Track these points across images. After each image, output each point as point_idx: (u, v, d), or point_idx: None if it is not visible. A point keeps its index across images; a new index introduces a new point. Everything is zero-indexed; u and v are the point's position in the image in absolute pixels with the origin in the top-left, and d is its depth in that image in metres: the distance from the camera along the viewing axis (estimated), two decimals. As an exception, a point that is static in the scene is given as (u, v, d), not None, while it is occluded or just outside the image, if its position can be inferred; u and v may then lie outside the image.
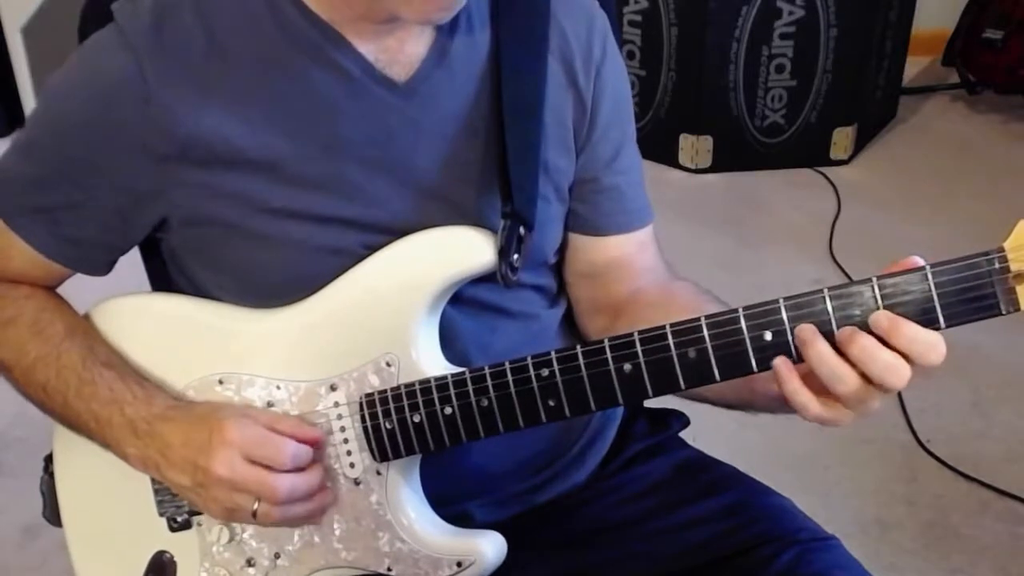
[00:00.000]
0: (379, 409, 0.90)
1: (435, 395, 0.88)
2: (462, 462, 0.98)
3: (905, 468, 1.99)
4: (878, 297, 0.75)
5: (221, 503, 0.88)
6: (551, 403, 0.84)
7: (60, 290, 1.03)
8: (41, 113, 0.94)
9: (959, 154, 3.17)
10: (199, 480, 0.88)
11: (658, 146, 3.06)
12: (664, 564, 1.00)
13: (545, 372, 0.84)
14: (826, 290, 0.76)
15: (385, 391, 0.90)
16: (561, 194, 0.98)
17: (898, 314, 0.75)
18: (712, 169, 3.07)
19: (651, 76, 3.04)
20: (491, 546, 0.92)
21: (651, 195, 1.05)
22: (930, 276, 0.74)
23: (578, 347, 0.83)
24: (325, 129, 0.89)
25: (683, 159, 3.08)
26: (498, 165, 0.92)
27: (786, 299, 0.77)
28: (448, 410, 0.87)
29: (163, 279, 1.04)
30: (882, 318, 0.75)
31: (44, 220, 0.94)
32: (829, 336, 0.76)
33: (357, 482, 0.92)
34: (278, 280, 0.92)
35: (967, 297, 0.74)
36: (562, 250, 1.03)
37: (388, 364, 0.90)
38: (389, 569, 0.93)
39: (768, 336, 0.77)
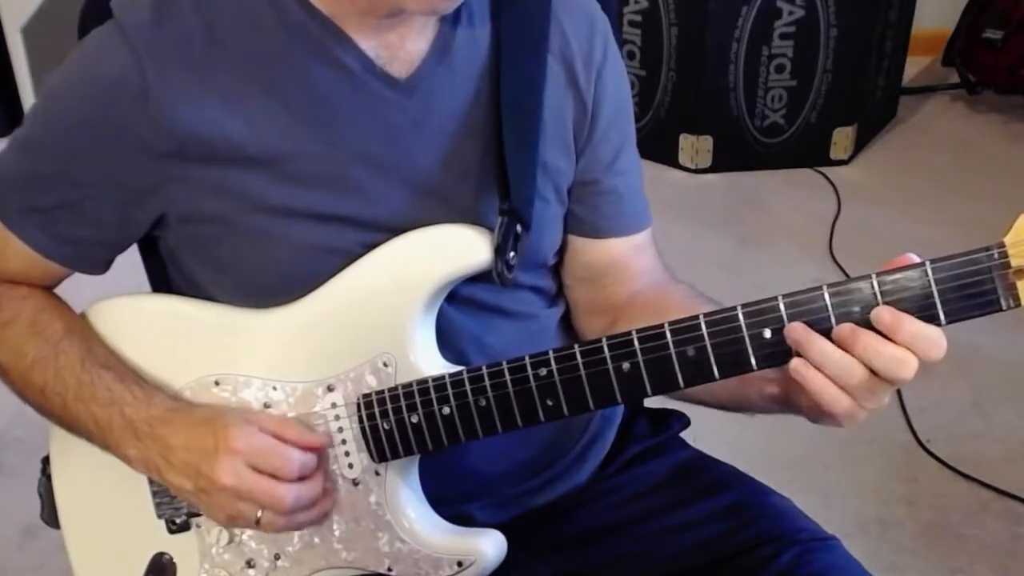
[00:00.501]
0: (376, 410, 0.89)
1: (433, 395, 0.87)
2: (462, 463, 0.98)
3: (905, 468, 1.99)
4: (877, 293, 0.75)
5: (224, 510, 0.88)
6: (549, 402, 0.84)
7: (59, 289, 1.03)
8: (39, 111, 0.93)
9: (959, 154, 3.17)
10: (202, 486, 0.88)
11: (658, 146, 3.06)
12: (664, 564, 1.00)
13: (543, 371, 0.84)
14: (825, 287, 0.76)
15: (383, 391, 0.89)
16: (560, 195, 0.98)
17: (898, 310, 0.75)
18: (712, 169, 3.07)
19: (651, 76, 3.04)
20: (491, 545, 0.92)
21: (651, 195, 1.05)
22: (930, 272, 0.74)
23: (576, 346, 0.83)
24: (325, 126, 0.89)
25: (683, 159, 3.08)
26: (496, 164, 0.91)
27: (785, 296, 0.77)
28: (446, 410, 0.87)
29: (162, 278, 1.04)
30: (884, 314, 0.74)
31: (42, 219, 0.94)
32: (827, 333, 0.76)
33: (356, 483, 0.92)
34: (276, 278, 0.92)
35: (967, 293, 0.73)
36: (561, 252, 1.03)
37: (385, 364, 0.90)
38: (389, 569, 0.93)
39: (767, 334, 0.77)
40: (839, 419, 0.78)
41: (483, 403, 0.86)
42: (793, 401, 0.84)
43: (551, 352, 0.83)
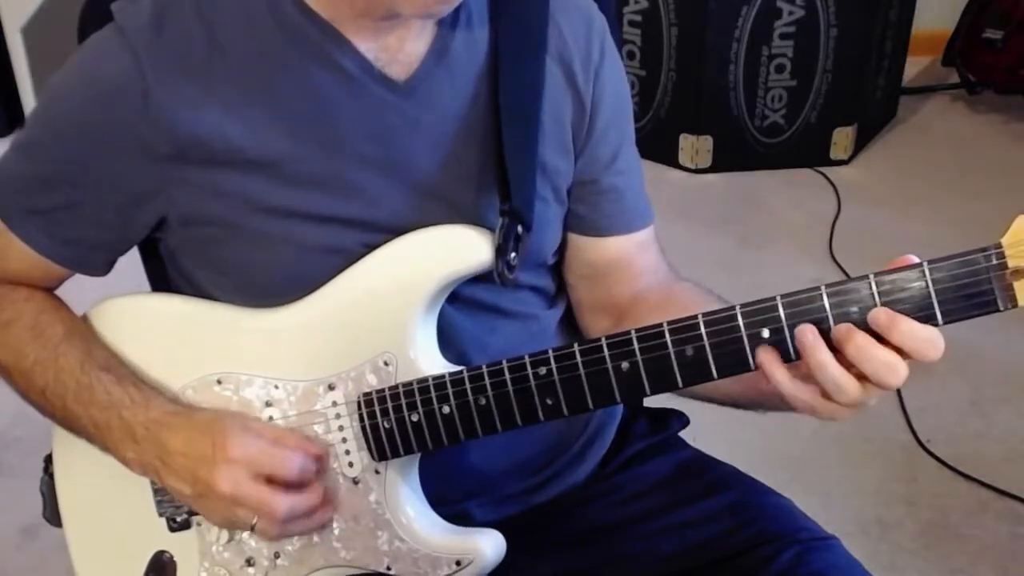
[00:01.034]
0: (377, 408, 0.90)
1: (433, 394, 0.87)
2: (461, 462, 0.98)
3: (905, 468, 1.99)
4: (876, 294, 0.75)
5: (220, 515, 0.89)
6: (549, 402, 0.84)
7: (60, 289, 1.03)
8: (41, 113, 0.94)
9: (959, 154, 3.17)
10: (199, 491, 0.88)
11: (658, 146, 3.06)
12: (664, 564, 1.00)
13: (543, 371, 0.84)
14: (824, 287, 0.76)
15: (383, 390, 0.90)
16: (559, 195, 0.98)
17: (896, 311, 0.75)
18: (712, 169, 3.07)
19: (651, 76, 3.04)
20: (490, 544, 0.92)
21: (651, 195, 1.05)
22: (928, 272, 0.74)
23: (575, 345, 0.83)
24: (324, 128, 0.89)
25: (683, 159, 3.08)
26: (496, 165, 0.92)
27: (783, 296, 0.77)
28: (446, 409, 0.87)
29: (162, 279, 1.04)
30: (880, 315, 0.74)
31: (43, 221, 0.94)
32: (826, 334, 0.76)
33: (356, 481, 0.92)
34: (277, 279, 0.92)
35: (965, 293, 0.74)
36: (562, 251, 1.03)
37: (386, 363, 0.90)
38: (388, 568, 0.93)
39: (766, 333, 0.77)
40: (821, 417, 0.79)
41: (483, 402, 0.86)
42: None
43: (551, 351, 0.84)
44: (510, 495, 1.03)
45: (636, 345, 0.81)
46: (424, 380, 0.88)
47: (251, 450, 0.87)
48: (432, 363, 0.90)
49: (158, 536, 0.98)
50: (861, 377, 0.75)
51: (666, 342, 0.80)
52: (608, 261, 1.03)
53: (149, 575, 0.98)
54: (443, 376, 0.87)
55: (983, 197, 2.82)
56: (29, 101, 3.12)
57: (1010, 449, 2.03)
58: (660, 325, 0.80)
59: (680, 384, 0.81)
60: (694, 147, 3.05)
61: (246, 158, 0.88)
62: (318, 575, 0.95)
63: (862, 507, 1.90)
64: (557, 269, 1.04)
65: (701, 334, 0.79)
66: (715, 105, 2.97)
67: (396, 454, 0.90)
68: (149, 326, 0.98)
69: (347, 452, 0.92)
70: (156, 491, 0.97)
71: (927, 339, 0.74)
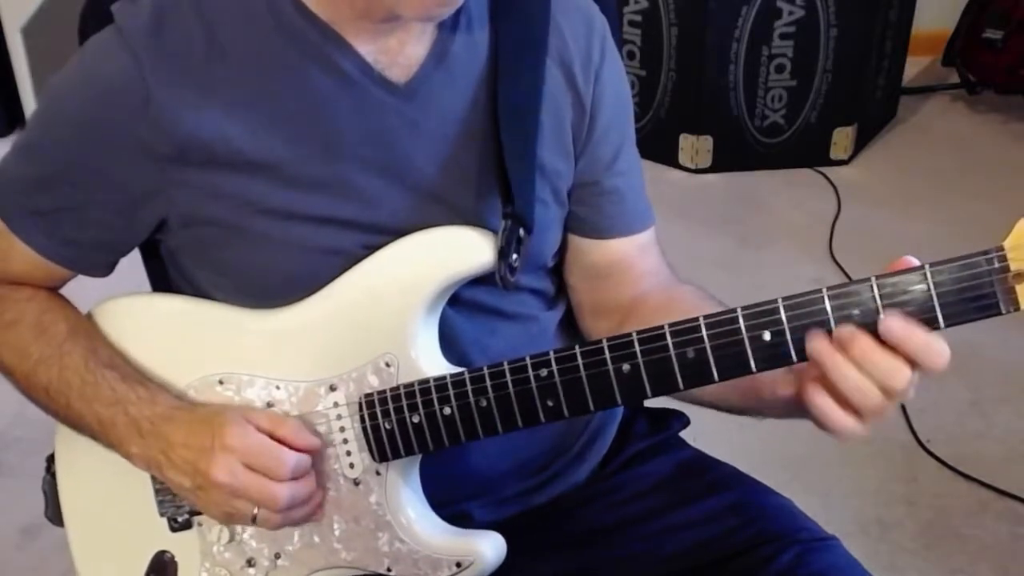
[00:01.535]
0: (378, 409, 0.90)
1: (434, 395, 0.87)
2: (462, 463, 0.98)
3: (905, 468, 1.99)
4: (877, 297, 0.75)
5: (221, 507, 0.89)
6: (550, 403, 0.84)
7: (62, 289, 1.03)
8: (41, 114, 0.94)
9: (959, 154, 3.17)
10: (199, 483, 0.88)
11: (658, 146, 3.06)
12: (664, 564, 1.00)
13: (544, 372, 0.84)
14: (825, 290, 0.76)
15: (384, 391, 0.90)
16: (559, 197, 0.98)
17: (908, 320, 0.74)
18: (712, 169, 3.07)
19: (651, 76, 3.04)
20: (490, 546, 0.92)
21: (651, 195, 1.05)
22: (929, 275, 0.74)
23: (576, 347, 0.83)
24: (324, 130, 0.89)
25: (683, 159, 3.08)
26: (496, 167, 0.92)
27: (785, 299, 0.77)
28: (447, 410, 0.87)
29: (163, 280, 1.04)
30: (895, 327, 0.74)
31: (45, 222, 0.94)
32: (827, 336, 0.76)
33: (357, 482, 0.92)
34: (277, 281, 0.92)
35: (966, 297, 0.73)
36: (563, 253, 1.03)
37: (387, 364, 0.90)
38: (389, 569, 0.93)
39: (767, 336, 0.77)
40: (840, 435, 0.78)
41: (484, 403, 0.86)
42: (803, 405, 0.84)
43: (552, 353, 0.84)
44: (510, 496, 1.03)
45: (637, 347, 0.81)
46: (425, 381, 0.88)
47: (248, 441, 0.87)
48: (433, 364, 0.90)
49: (159, 536, 0.98)
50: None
51: (667, 344, 0.80)
52: (609, 263, 1.03)
53: (150, 575, 0.98)
54: (444, 377, 0.87)
55: (983, 197, 2.82)
56: (29, 101, 3.12)
57: (1010, 449, 2.03)
58: (661, 327, 0.80)
59: (681, 386, 0.81)
60: (694, 147, 3.05)
61: (246, 159, 0.88)
62: (318, 576, 0.95)
63: (862, 507, 1.90)
64: (557, 271, 1.04)
65: (702, 336, 0.79)
66: (715, 105, 2.98)
67: (397, 455, 0.90)
68: (151, 326, 0.98)
69: (348, 453, 0.92)
70: (158, 491, 0.97)
71: (937, 351, 0.74)
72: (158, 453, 0.90)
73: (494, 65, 0.93)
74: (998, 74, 3.23)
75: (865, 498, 1.92)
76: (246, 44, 0.88)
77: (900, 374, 0.74)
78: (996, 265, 0.73)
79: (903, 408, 2.09)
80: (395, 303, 0.90)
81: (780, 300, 0.77)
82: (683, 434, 1.14)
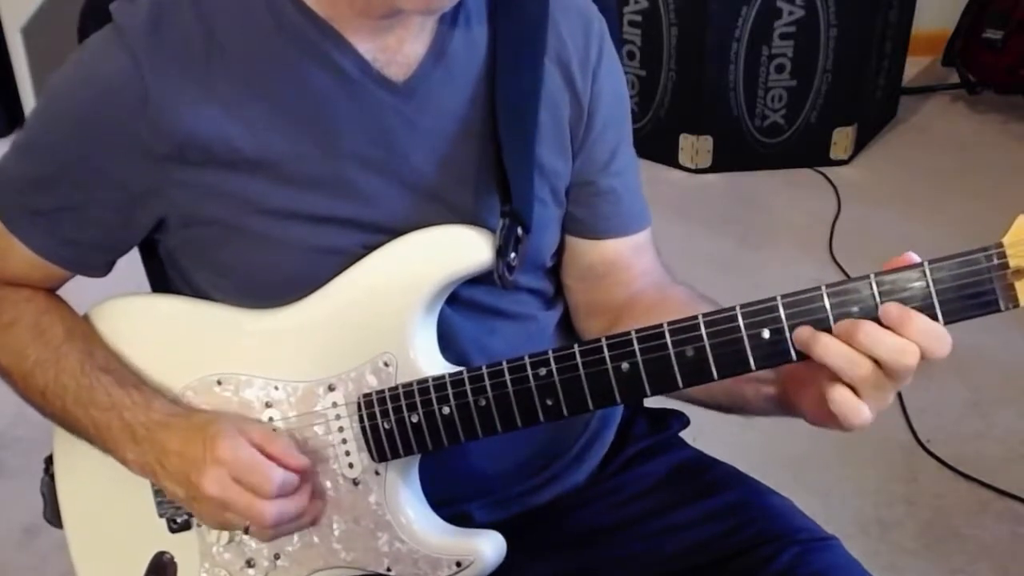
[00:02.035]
0: (377, 409, 0.90)
1: (433, 395, 0.87)
2: (461, 463, 0.98)
3: (905, 468, 1.99)
4: (876, 294, 0.75)
5: (213, 518, 0.89)
6: (549, 402, 0.84)
7: (61, 290, 1.03)
8: (39, 114, 0.93)
9: (959, 154, 3.17)
10: (192, 494, 0.88)
11: (658, 146, 3.06)
12: (664, 564, 1.00)
13: (543, 371, 0.84)
14: (824, 287, 0.76)
15: (383, 391, 0.89)
16: (558, 197, 0.98)
17: None
18: (712, 169, 3.07)
19: (651, 76, 3.04)
20: (490, 546, 0.92)
21: (651, 195, 1.05)
22: (928, 272, 0.74)
23: (575, 346, 0.83)
24: (323, 129, 0.89)
25: (683, 159, 3.08)
26: (495, 166, 0.92)
27: (784, 297, 0.77)
28: (446, 410, 0.87)
29: (162, 280, 1.04)
30: (893, 309, 0.74)
31: (43, 222, 0.94)
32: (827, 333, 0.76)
33: (356, 482, 0.92)
34: (276, 280, 0.92)
35: (966, 293, 0.73)
36: (559, 253, 1.03)
37: (386, 364, 0.90)
38: (388, 569, 0.93)
39: (766, 334, 0.77)
40: (848, 424, 0.77)
41: (483, 403, 0.86)
42: (791, 403, 0.84)
43: (550, 352, 0.84)
44: (510, 496, 1.03)
45: (636, 346, 0.81)
46: (424, 381, 0.88)
47: (238, 455, 0.87)
48: (432, 364, 0.90)
49: (159, 537, 0.98)
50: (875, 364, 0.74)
51: (666, 343, 0.80)
52: (606, 264, 1.02)
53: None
54: (443, 377, 0.87)
55: (983, 197, 2.82)
56: (29, 101, 3.12)
57: (1010, 449, 2.03)
58: (660, 325, 0.80)
59: (680, 385, 0.81)
60: (694, 147, 3.05)
61: (245, 158, 0.88)
62: (318, 576, 0.95)
63: (862, 507, 1.90)
64: (556, 271, 1.04)
65: (701, 334, 0.79)
66: (715, 105, 2.97)
67: (396, 455, 0.90)
68: (149, 326, 0.98)
69: (347, 453, 0.92)
70: (156, 492, 0.97)
71: (938, 334, 0.74)
72: (153, 460, 0.90)
73: (493, 63, 0.93)
74: (998, 74, 3.23)
75: (865, 498, 1.92)
76: (245, 43, 0.88)
77: (909, 349, 0.73)
78: (995, 262, 0.73)
79: (903, 408, 2.09)
80: (393, 302, 0.90)
81: (779, 298, 0.77)
82: (683, 434, 1.14)
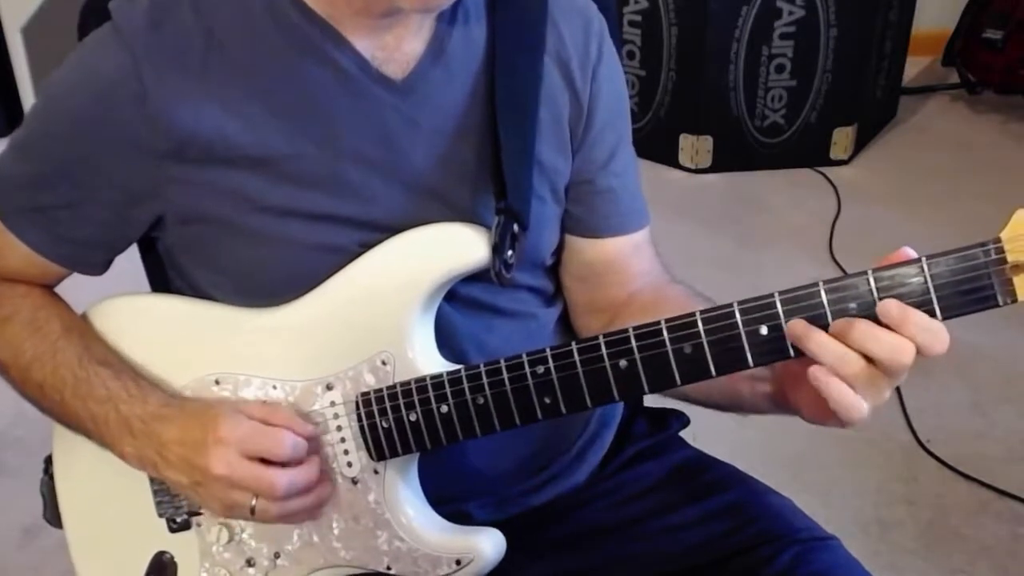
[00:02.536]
0: (375, 408, 0.90)
1: (431, 393, 0.87)
2: (461, 462, 0.98)
3: (905, 468, 1.99)
4: (874, 289, 0.75)
5: (219, 500, 0.89)
6: (547, 400, 0.84)
7: (59, 288, 1.03)
8: (38, 112, 0.94)
9: (959, 154, 3.17)
10: (196, 479, 0.88)
11: (658, 146, 3.06)
12: (664, 564, 1.00)
13: (541, 369, 0.83)
14: (822, 283, 0.76)
15: (381, 390, 0.89)
16: (557, 195, 0.98)
17: None
18: (712, 169, 3.07)
19: (651, 76, 3.04)
20: (490, 543, 0.92)
21: (650, 195, 1.05)
22: (926, 267, 0.74)
23: (573, 344, 0.83)
24: (322, 127, 0.89)
25: (683, 159, 3.08)
26: (493, 163, 0.91)
27: (781, 293, 0.77)
28: (444, 408, 0.87)
29: (161, 277, 1.04)
30: (892, 306, 0.74)
31: (41, 219, 0.94)
32: (825, 330, 0.75)
33: (355, 481, 0.92)
34: (274, 278, 0.92)
35: (964, 289, 0.73)
36: (559, 252, 1.03)
37: (384, 362, 0.90)
38: (388, 568, 0.93)
39: (764, 330, 0.77)
40: (845, 419, 0.77)
41: (481, 401, 0.86)
42: (787, 400, 0.84)
43: (548, 350, 0.83)
44: (510, 495, 1.03)
45: (634, 343, 0.81)
46: (422, 379, 0.88)
47: (242, 429, 0.87)
48: (430, 362, 0.90)
49: (158, 537, 0.98)
50: (869, 362, 0.74)
51: (664, 340, 0.80)
52: (603, 262, 1.02)
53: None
54: (441, 375, 0.87)
55: (983, 197, 2.82)
56: (29, 101, 3.12)
57: (1010, 449, 2.03)
58: (658, 323, 0.80)
59: (679, 382, 0.80)
60: (694, 147, 3.05)
61: (243, 156, 0.88)
62: (318, 575, 0.95)
63: (862, 507, 1.90)
64: (555, 270, 1.04)
65: (699, 332, 0.79)
66: (715, 105, 2.98)
67: (395, 454, 0.90)
68: (147, 326, 0.98)
69: (346, 452, 0.92)
70: (156, 492, 0.97)
71: (936, 331, 0.73)
72: (152, 453, 0.90)
73: (492, 60, 0.93)
74: (998, 74, 3.23)
75: (865, 498, 1.92)
76: (244, 41, 0.88)
77: (903, 347, 0.73)
78: (993, 256, 0.72)
79: (903, 408, 2.09)
80: (391, 301, 0.90)
81: (776, 294, 0.77)
82: (683, 434, 1.14)
